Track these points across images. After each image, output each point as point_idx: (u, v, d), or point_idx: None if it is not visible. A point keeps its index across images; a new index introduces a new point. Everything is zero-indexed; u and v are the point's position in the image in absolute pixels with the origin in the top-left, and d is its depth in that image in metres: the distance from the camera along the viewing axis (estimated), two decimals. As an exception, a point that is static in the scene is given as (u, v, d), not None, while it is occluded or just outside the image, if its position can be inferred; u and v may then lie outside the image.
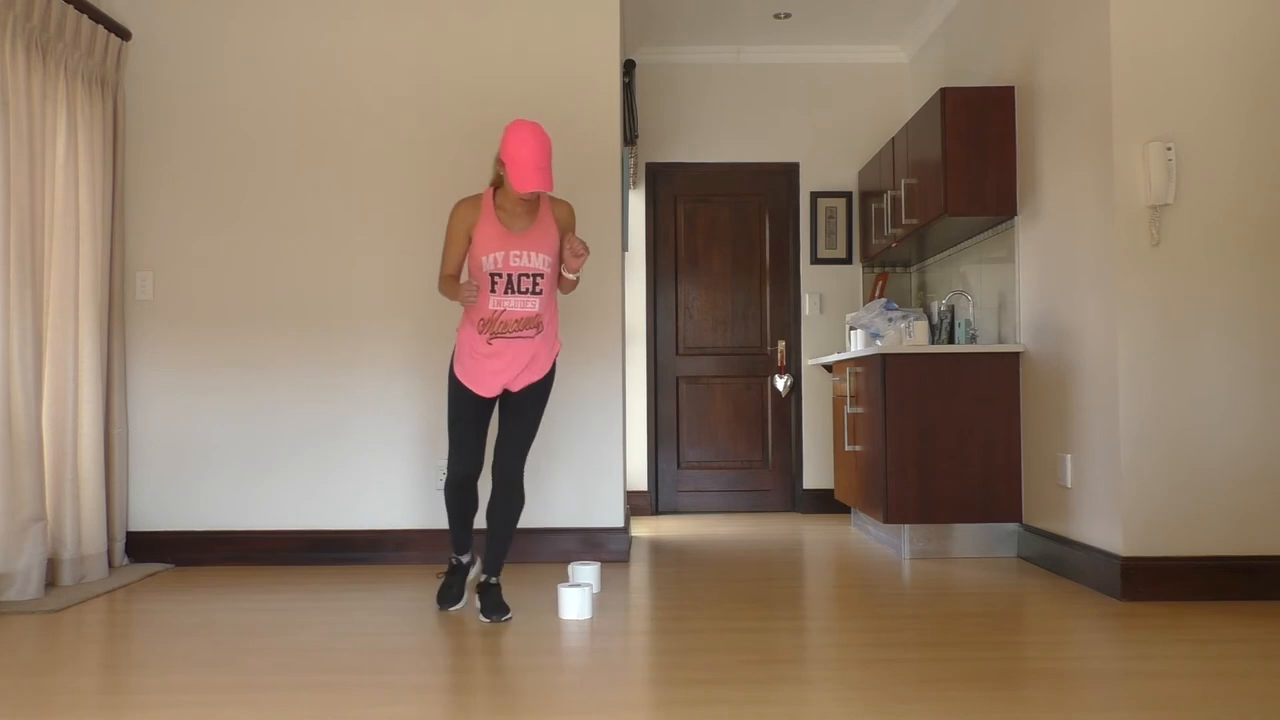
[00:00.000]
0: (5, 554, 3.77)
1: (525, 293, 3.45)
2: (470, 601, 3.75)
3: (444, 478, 4.67)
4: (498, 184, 3.52)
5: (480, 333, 3.47)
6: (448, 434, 3.60)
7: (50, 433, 4.12)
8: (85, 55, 4.33)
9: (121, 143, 4.63)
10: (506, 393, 3.56)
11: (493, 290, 3.45)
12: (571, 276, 3.54)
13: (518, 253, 3.44)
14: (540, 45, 4.78)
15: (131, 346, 4.71)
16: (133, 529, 4.68)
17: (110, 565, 4.47)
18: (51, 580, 4.11)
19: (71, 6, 4.21)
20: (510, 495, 3.51)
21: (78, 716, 2.45)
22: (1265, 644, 3.06)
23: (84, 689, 2.69)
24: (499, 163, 3.46)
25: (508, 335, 3.46)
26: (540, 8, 4.79)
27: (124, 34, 4.65)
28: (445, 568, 3.72)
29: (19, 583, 3.80)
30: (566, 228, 3.56)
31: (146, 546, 4.67)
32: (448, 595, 3.66)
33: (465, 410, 3.53)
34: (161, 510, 4.69)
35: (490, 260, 3.44)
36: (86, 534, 4.25)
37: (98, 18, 4.41)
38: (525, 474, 4.66)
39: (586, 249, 3.44)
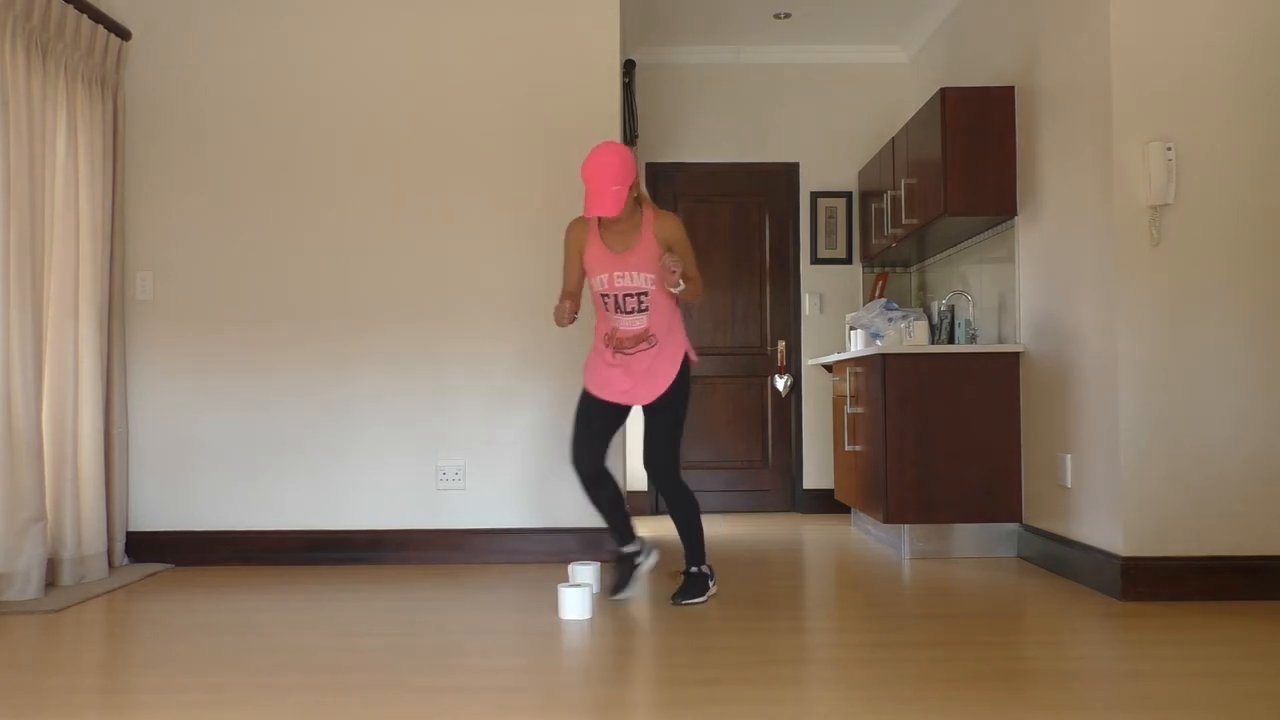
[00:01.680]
0: (5, 554, 3.77)
1: (631, 312, 3.60)
2: (641, 590, 3.92)
3: (445, 479, 4.69)
4: None
5: (606, 346, 3.68)
6: (572, 434, 3.80)
7: (50, 433, 4.12)
8: (85, 55, 4.33)
9: (121, 143, 4.63)
10: (645, 406, 3.71)
11: (605, 309, 3.65)
12: (675, 291, 3.55)
13: (620, 274, 3.57)
14: (540, 45, 4.78)
15: (131, 346, 4.71)
16: (133, 529, 4.68)
17: (110, 565, 4.47)
18: (51, 580, 4.11)
19: (71, 6, 4.21)
20: (673, 493, 3.72)
21: (78, 716, 2.45)
22: (1265, 644, 3.06)
23: (84, 689, 2.69)
24: None
25: (625, 351, 3.64)
26: (540, 8, 4.79)
27: (124, 34, 4.65)
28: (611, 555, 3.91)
29: (19, 583, 3.80)
30: (668, 241, 3.60)
31: (146, 546, 4.67)
32: (615, 583, 3.78)
33: (585, 410, 3.71)
34: (161, 510, 4.69)
35: (599, 282, 3.61)
36: (86, 534, 4.25)
37: (98, 18, 4.41)
38: (523, 472, 4.67)
39: (678, 265, 3.44)
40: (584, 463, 3.69)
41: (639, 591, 3.88)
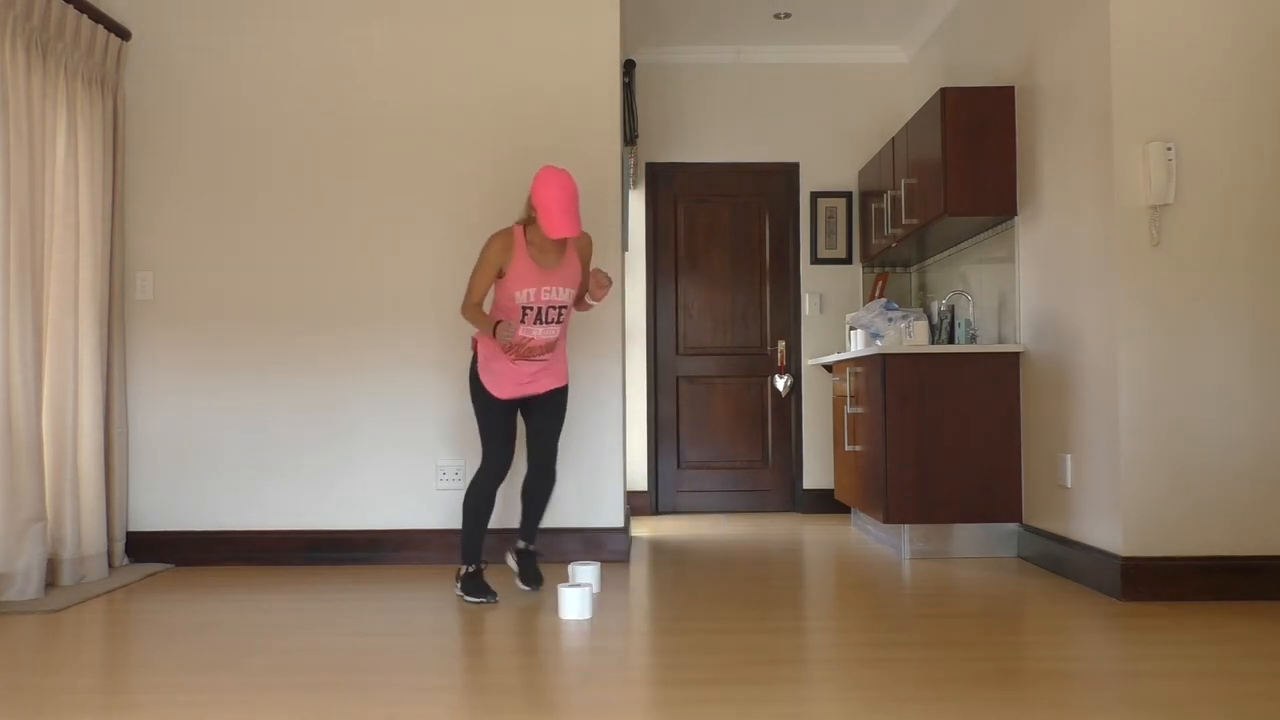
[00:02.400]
0: (5, 554, 3.77)
1: (551, 322, 3.80)
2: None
3: (445, 479, 4.68)
4: (527, 222, 3.78)
5: (505, 352, 3.80)
6: (481, 439, 3.87)
7: (50, 433, 4.12)
8: (85, 55, 4.33)
9: (121, 143, 4.63)
10: (529, 399, 3.92)
11: (523, 320, 3.76)
12: (594, 304, 3.86)
13: (549, 288, 3.76)
14: (540, 45, 4.78)
15: (131, 346, 4.71)
16: (133, 529, 4.68)
17: (110, 565, 4.47)
18: (51, 580, 4.11)
19: (71, 6, 4.21)
20: (546, 477, 3.96)
21: (78, 716, 2.45)
22: (1265, 644, 3.06)
23: (84, 689, 2.69)
24: (529, 206, 3.74)
25: (533, 359, 3.82)
26: (540, 8, 4.79)
27: (124, 34, 4.65)
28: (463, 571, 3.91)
29: (19, 583, 3.80)
30: (585, 258, 3.91)
31: (146, 546, 4.67)
32: (487, 590, 3.82)
33: (495, 414, 3.85)
34: (161, 510, 4.69)
35: (524, 295, 3.73)
36: (86, 534, 4.25)
37: (98, 18, 4.41)
38: (523, 472, 4.67)
39: (610, 281, 3.74)
40: (506, 462, 3.86)
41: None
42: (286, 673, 2.82)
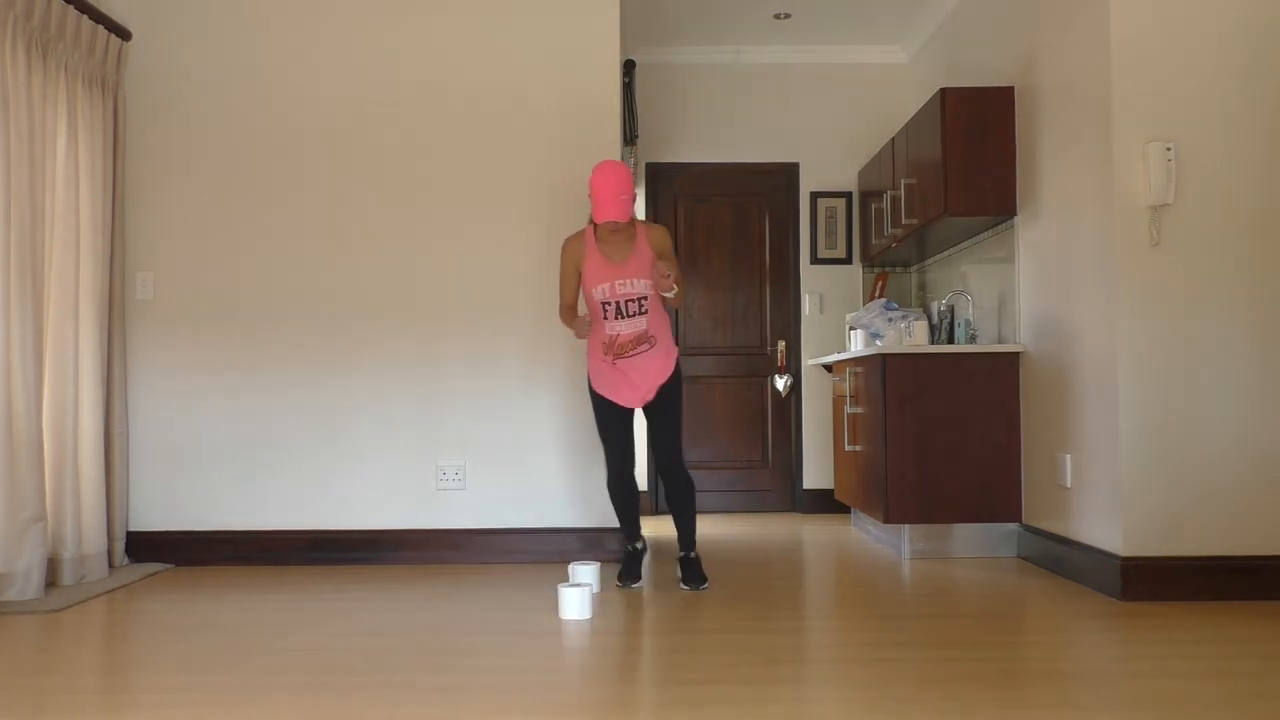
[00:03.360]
0: (5, 554, 3.77)
1: (633, 315, 3.89)
2: (647, 579, 4.18)
3: (445, 479, 4.68)
4: (596, 221, 3.84)
5: (604, 355, 3.93)
6: (601, 442, 4.10)
7: (50, 433, 4.12)
8: (85, 55, 4.33)
9: (121, 143, 4.63)
10: (646, 404, 3.99)
11: (605, 317, 3.89)
12: (668, 295, 3.84)
13: (622, 281, 3.87)
14: (540, 45, 4.78)
15: (131, 346, 4.71)
16: (133, 529, 4.68)
17: (110, 565, 4.48)
18: (52, 580, 4.11)
19: (71, 6, 4.21)
20: (678, 484, 3.99)
21: (78, 716, 2.45)
22: (1265, 644, 3.06)
23: (84, 689, 2.69)
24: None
25: (628, 355, 3.90)
26: (540, 8, 4.79)
27: (124, 34, 4.65)
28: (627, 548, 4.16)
29: (19, 582, 3.80)
30: (659, 249, 3.94)
31: (147, 546, 4.67)
32: (627, 573, 4.05)
33: (609, 419, 3.99)
34: (161, 510, 4.69)
35: (600, 291, 3.87)
36: (87, 534, 4.25)
37: (98, 18, 4.41)
38: (523, 472, 4.68)
39: (673, 270, 3.81)
40: (623, 462, 3.99)
41: (643, 582, 4.09)
42: (286, 673, 2.82)
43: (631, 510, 4.11)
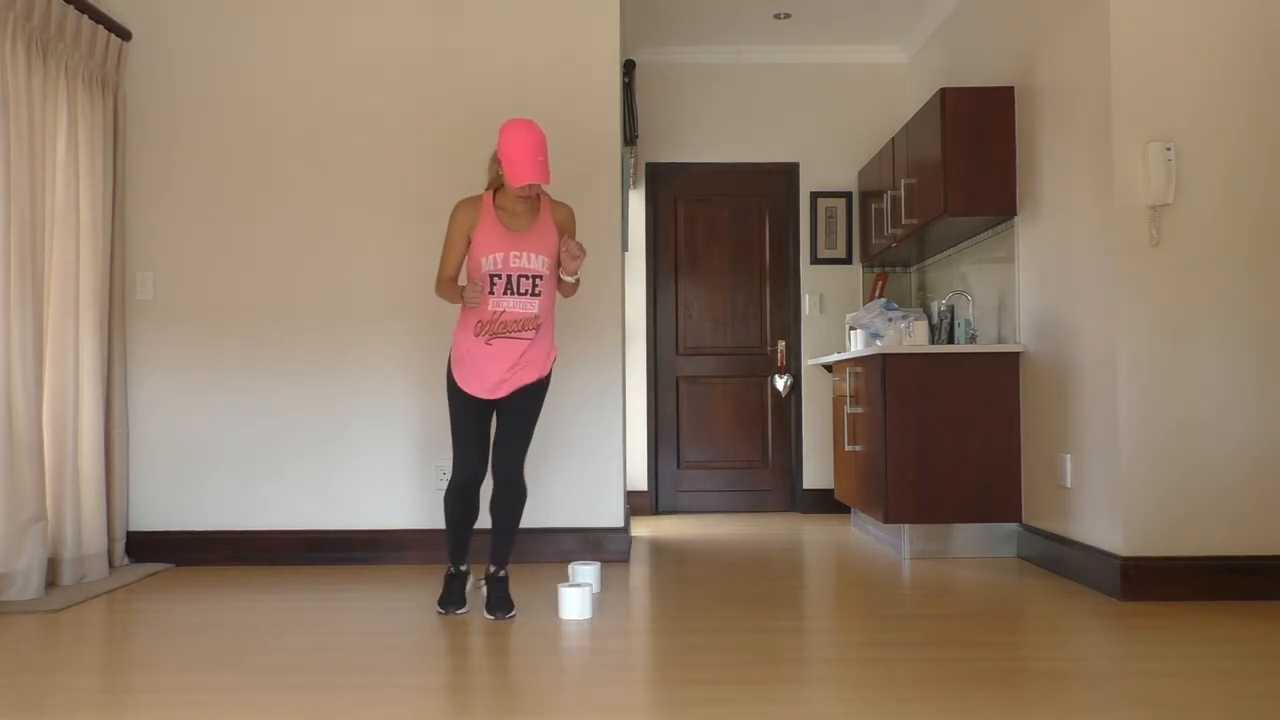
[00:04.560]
0: (5, 554, 3.77)
1: (525, 294, 3.47)
2: (475, 603, 3.75)
3: (445, 479, 4.68)
4: (497, 185, 3.56)
5: (477, 335, 3.48)
6: (453, 441, 3.57)
7: (50, 433, 4.12)
8: (85, 55, 4.33)
9: (121, 143, 4.63)
10: (502, 400, 3.54)
11: (491, 291, 3.46)
12: (570, 279, 3.54)
13: (517, 253, 3.46)
14: (540, 45, 4.78)
15: (131, 346, 4.71)
16: (133, 529, 4.68)
17: (111, 565, 4.47)
18: (52, 580, 4.11)
19: (71, 6, 4.21)
20: (511, 493, 3.56)
21: (78, 716, 2.45)
22: (1265, 644, 3.06)
23: (84, 689, 2.69)
24: (495, 162, 3.51)
25: (506, 335, 3.47)
26: (540, 8, 4.79)
27: (124, 34, 4.65)
28: (481, 581, 3.70)
29: (19, 582, 3.80)
30: (566, 230, 3.57)
31: (147, 546, 4.67)
32: (450, 599, 3.60)
33: (465, 413, 3.54)
34: (162, 510, 4.69)
35: (490, 261, 3.45)
36: (87, 534, 4.25)
37: (98, 18, 4.41)
38: (527, 474, 4.67)
39: (583, 251, 3.45)
40: (474, 466, 3.54)
41: (468, 607, 3.65)
42: (286, 673, 2.82)
43: (468, 526, 3.61)
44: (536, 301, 3.49)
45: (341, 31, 4.79)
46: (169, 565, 4.63)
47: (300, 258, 4.75)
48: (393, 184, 4.77)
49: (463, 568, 3.65)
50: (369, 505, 4.70)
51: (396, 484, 4.71)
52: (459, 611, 3.59)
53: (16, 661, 2.98)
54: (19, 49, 3.87)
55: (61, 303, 4.17)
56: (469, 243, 3.51)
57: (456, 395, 3.55)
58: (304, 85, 4.78)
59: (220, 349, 4.72)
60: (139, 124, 4.76)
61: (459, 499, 3.57)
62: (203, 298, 4.73)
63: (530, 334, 3.49)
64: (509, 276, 3.45)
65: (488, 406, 3.56)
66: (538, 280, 3.48)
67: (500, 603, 3.50)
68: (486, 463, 3.58)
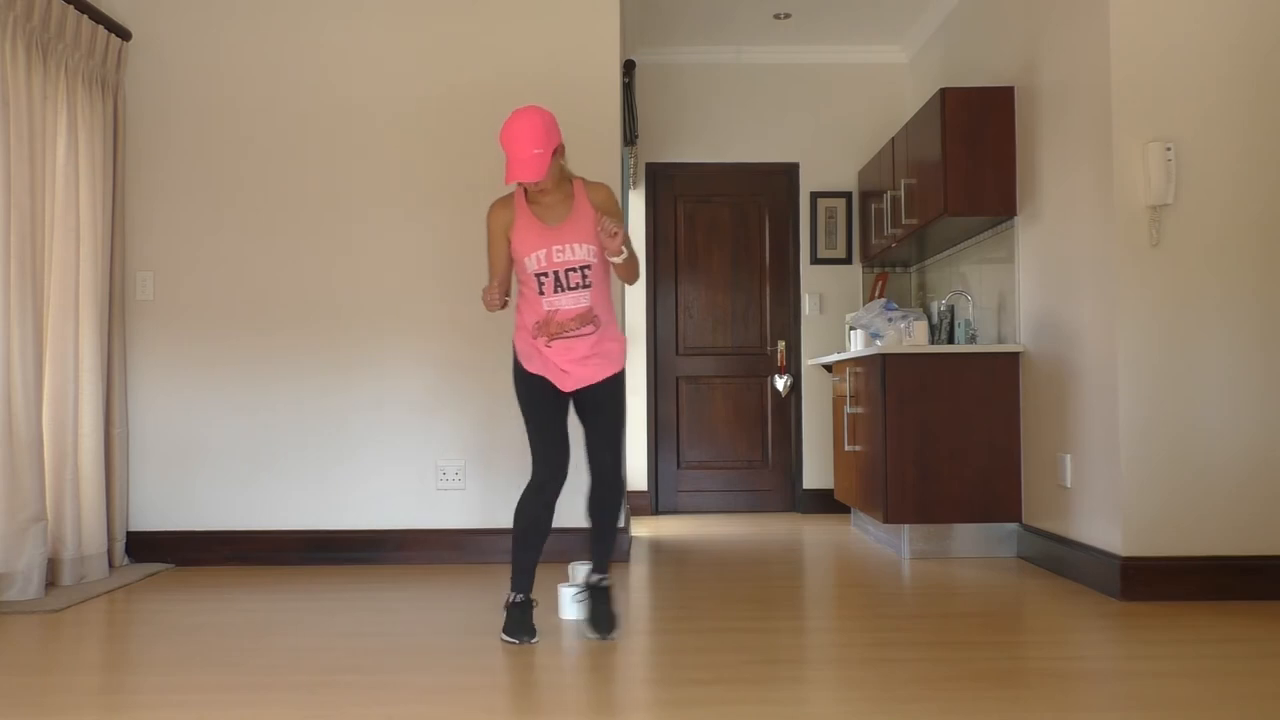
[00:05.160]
0: (6, 554, 3.77)
1: (575, 288, 3.21)
2: (542, 630, 3.36)
3: (445, 479, 4.68)
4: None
5: (536, 337, 3.24)
6: (530, 438, 3.27)
7: (50, 433, 4.12)
8: (85, 55, 4.33)
9: (121, 143, 4.63)
10: (580, 395, 3.30)
11: (541, 291, 3.22)
12: (617, 259, 3.18)
13: (559, 247, 3.19)
14: (540, 45, 4.78)
15: (131, 346, 4.71)
16: (133, 529, 4.68)
17: (111, 565, 4.48)
18: (52, 580, 4.11)
19: (71, 7, 4.21)
20: (610, 491, 3.31)
21: (78, 716, 2.45)
22: (1265, 644, 3.06)
23: (84, 689, 2.69)
24: None
25: (566, 336, 3.22)
26: (540, 8, 4.79)
27: (124, 34, 4.65)
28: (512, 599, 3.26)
29: (19, 582, 3.80)
30: (604, 208, 3.26)
31: (147, 546, 4.67)
32: (521, 628, 3.17)
33: (540, 405, 3.26)
34: (162, 510, 4.69)
35: (533, 260, 3.20)
36: (87, 534, 4.25)
37: (98, 18, 4.41)
38: (523, 472, 4.67)
39: (618, 227, 3.11)
40: (557, 468, 3.24)
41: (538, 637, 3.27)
42: (286, 672, 2.82)
43: (538, 541, 3.22)
44: (588, 293, 3.22)
45: (341, 31, 4.79)
46: (169, 565, 4.63)
47: (300, 257, 4.75)
48: (391, 184, 4.77)
49: (532, 597, 3.24)
50: (369, 505, 4.70)
51: (397, 484, 4.71)
52: (533, 641, 3.18)
53: (16, 661, 2.98)
54: (19, 49, 3.87)
55: (61, 303, 4.17)
56: (509, 243, 3.26)
57: (527, 386, 3.27)
58: (304, 86, 4.78)
59: (220, 349, 4.72)
60: (139, 124, 4.76)
61: (535, 503, 3.21)
62: (203, 298, 4.73)
63: (589, 329, 3.23)
64: (555, 273, 3.20)
65: (562, 397, 3.29)
66: (586, 271, 3.21)
67: (604, 619, 3.22)
68: (568, 461, 3.28)
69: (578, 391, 3.29)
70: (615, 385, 3.30)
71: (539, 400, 3.27)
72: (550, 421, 3.25)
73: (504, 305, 3.24)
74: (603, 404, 3.28)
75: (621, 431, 3.33)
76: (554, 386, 3.26)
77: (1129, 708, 2.44)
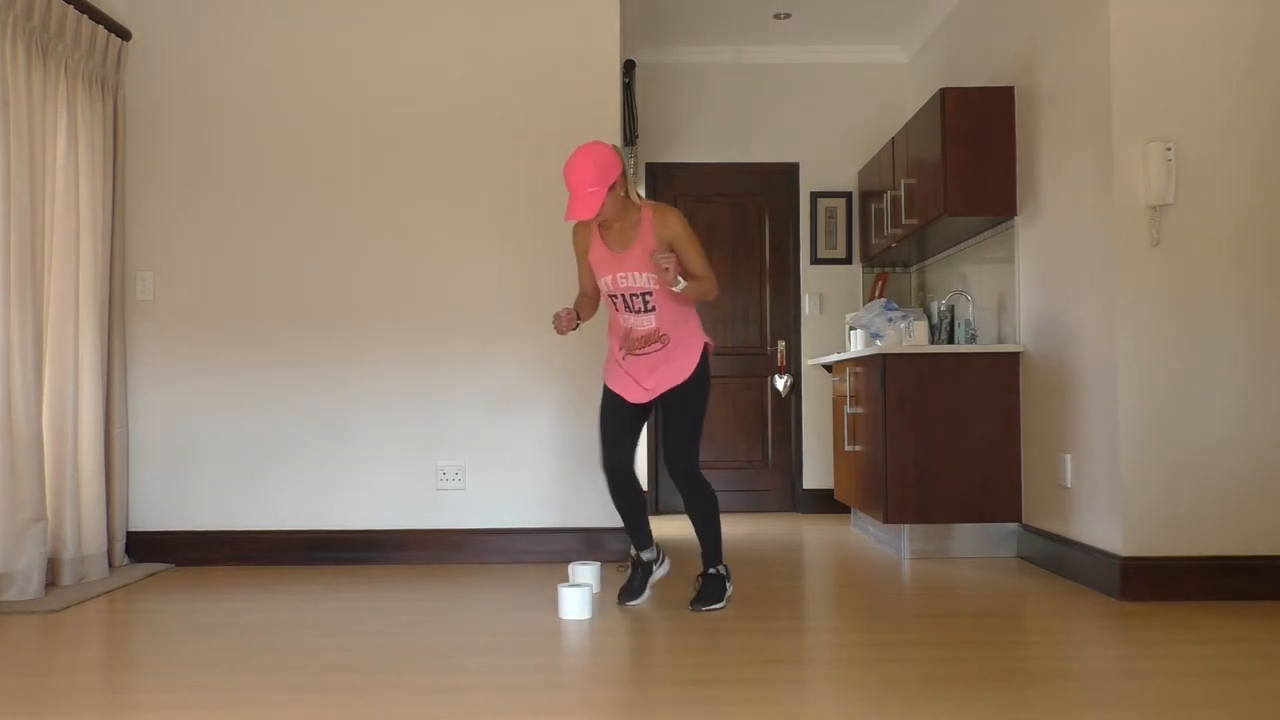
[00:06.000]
0: (6, 554, 3.77)
1: (639, 311, 3.55)
2: (652, 597, 3.80)
3: (445, 479, 4.69)
4: None
5: (620, 347, 3.64)
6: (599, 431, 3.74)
7: (50, 433, 4.12)
8: (85, 55, 4.33)
9: (121, 143, 4.63)
10: (656, 405, 3.69)
11: (616, 309, 3.61)
12: (675, 290, 3.43)
13: (623, 274, 3.51)
14: (540, 45, 4.78)
15: (131, 346, 4.71)
16: (133, 529, 4.68)
17: (111, 565, 4.48)
18: (52, 580, 4.11)
19: (71, 6, 4.21)
20: (693, 491, 3.62)
21: (78, 716, 2.45)
22: (1265, 644, 3.06)
23: (84, 689, 2.69)
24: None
25: (638, 352, 3.60)
26: (540, 8, 4.79)
27: (124, 34, 4.65)
28: (627, 561, 3.82)
29: (19, 582, 3.80)
30: (671, 240, 3.50)
31: (147, 546, 4.67)
32: (627, 590, 3.71)
33: (609, 407, 3.66)
34: (162, 510, 4.69)
35: (605, 283, 3.57)
36: (87, 534, 4.25)
37: (98, 18, 4.41)
38: (524, 472, 4.68)
39: (670, 261, 3.36)
40: (613, 457, 3.64)
41: (647, 600, 3.75)
42: (286, 673, 2.82)
43: (632, 509, 3.69)
44: (653, 316, 3.54)
45: (340, 31, 4.79)
46: (169, 565, 4.63)
47: (301, 257, 4.75)
48: (393, 184, 4.77)
49: (644, 554, 3.74)
50: (369, 505, 4.70)
51: (397, 484, 4.71)
52: (632, 603, 3.67)
53: (16, 661, 2.98)
54: (19, 49, 3.87)
55: (61, 303, 4.17)
56: (590, 263, 3.62)
57: (604, 392, 3.69)
58: (303, 86, 4.78)
59: (220, 349, 4.72)
60: (139, 124, 4.76)
61: (610, 483, 3.67)
62: (203, 298, 4.73)
63: (656, 347, 3.57)
64: (622, 296, 3.55)
65: (630, 408, 3.64)
66: (647, 296, 3.52)
67: (701, 595, 3.60)
68: (627, 455, 3.65)
69: (654, 401, 3.65)
70: (689, 389, 3.59)
71: (608, 408, 3.66)
72: (612, 422, 3.65)
73: (575, 328, 3.57)
74: (676, 410, 3.61)
75: (693, 434, 3.62)
76: (624, 399, 3.63)
77: (1129, 708, 2.44)
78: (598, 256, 3.56)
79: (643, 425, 3.71)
